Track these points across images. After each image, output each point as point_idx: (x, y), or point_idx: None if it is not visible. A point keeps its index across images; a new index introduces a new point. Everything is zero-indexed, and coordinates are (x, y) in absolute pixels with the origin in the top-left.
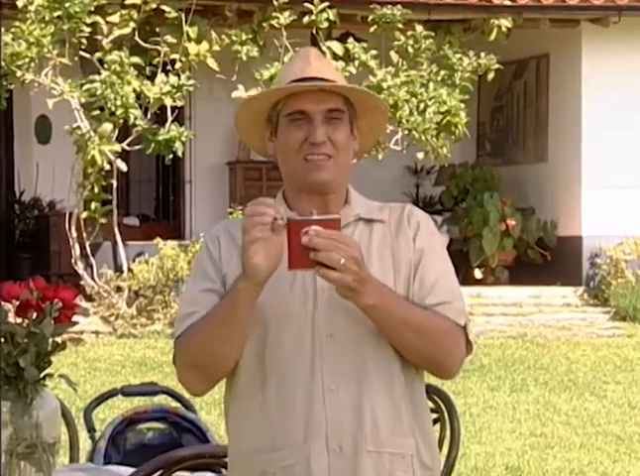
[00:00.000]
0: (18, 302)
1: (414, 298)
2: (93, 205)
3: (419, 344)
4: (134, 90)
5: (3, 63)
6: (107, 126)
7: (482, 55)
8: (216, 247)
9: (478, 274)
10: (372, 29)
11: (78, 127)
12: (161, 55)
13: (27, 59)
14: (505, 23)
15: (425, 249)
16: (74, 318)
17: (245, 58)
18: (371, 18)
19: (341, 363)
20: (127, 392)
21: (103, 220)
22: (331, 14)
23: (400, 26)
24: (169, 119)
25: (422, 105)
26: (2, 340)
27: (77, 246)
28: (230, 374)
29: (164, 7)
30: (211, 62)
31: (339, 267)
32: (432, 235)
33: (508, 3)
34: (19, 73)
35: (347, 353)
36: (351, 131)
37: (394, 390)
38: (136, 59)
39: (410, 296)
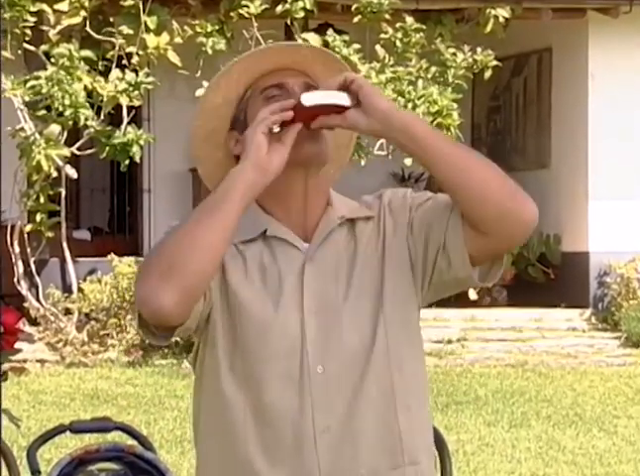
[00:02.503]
0: None
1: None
2: (39, 217)
3: (477, 170)
4: (85, 88)
5: None
6: (54, 128)
7: (479, 50)
8: None
9: (472, 294)
10: (355, 19)
11: (22, 129)
12: (116, 48)
13: None
14: (503, 13)
15: (415, 216)
16: (17, 345)
17: (210, 51)
18: (354, 7)
19: (333, 400)
20: (76, 428)
21: (50, 234)
22: (308, 2)
23: (387, 17)
24: (125, 120)
25: (410, 105)
26: None
27: (20, 263)
28: (200, 404)
29: None
30: (172, 57)
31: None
32: (406, 200)
33: None
34: None
35: (339, 388)
36: None
37: (393, 423)
38: (87, 53)
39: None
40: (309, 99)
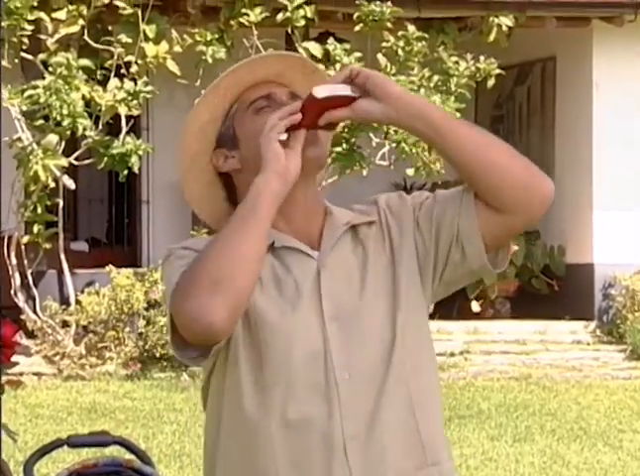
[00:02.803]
0: None
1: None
2: (36, 228)
3: (490, 150)
4: (83, 97)
5: None
6: (52, 138)
7: (482, 58)
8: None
9: (475, 306)
10: (356, 28)
11: (19, 139)
12: (115, 57)
13: None
14: (506, 21)
15: (420, 215)
16: (14, 358)
17: (210, 60)
18: (356, 15)
19: (359, 405)
20: (74, 442)
21: (47, 245)
22: (309, 11)
23: (389, 25)
24: (124, 130)
25: None
26: None
27: (17, 275)
28: (219, 423)
29: (118, 2)
30: (172, 66)
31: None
32: (405, 201)
33: None
34: None
35: (364, 393)
36: None
37: (413, 424)
38: (85, 62)
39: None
40: (321, 92)
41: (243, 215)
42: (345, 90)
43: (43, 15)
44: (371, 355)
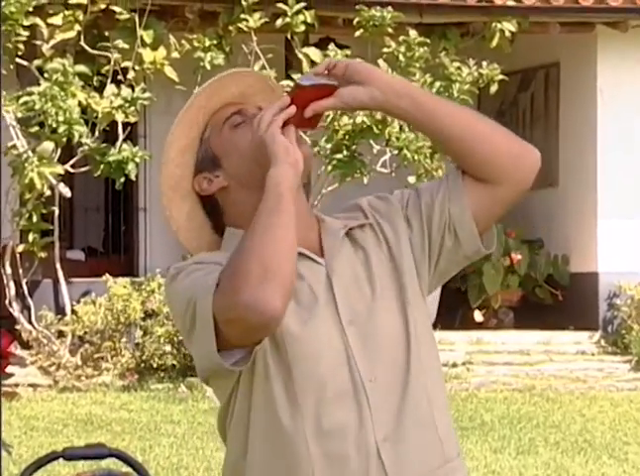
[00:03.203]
0: None
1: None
2: (31, 237)
3: (478, 127)
4: (79, 104)
5: None
6: (48, 145)
7: (484, 64)
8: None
9: (478, 316)
10: (357, 33)
11: (14, 146)
12: (111, 63)
13: None
14: (509, 27)
15: (409, 212)
16: (9, 369)
17: (209, 66)
18: (356, 21)
19: (386, 407)
20: (69, 455)
21: (43, 254)
22: (308, 16)
23: (390, 31)
24: (121, 137)
25: None
26: None
27: (12, 284)
28: (246, 440)
29: (115, 7)
30: (169, 72)
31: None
32: (390, 201)
33: (512, 4)
34: None
35: (389, 395)
36: None
37: (431, 422)
38: (81, 68)
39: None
40: (306, 80)
41: (270, 206)
42: (327, 80)
43: (38, 20)
44: (390, 356)
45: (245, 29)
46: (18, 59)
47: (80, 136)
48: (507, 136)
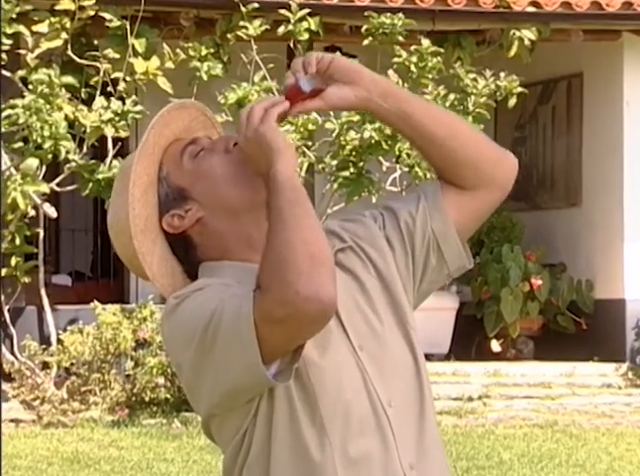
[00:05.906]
0: None
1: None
2: (14, 260)
3: (461, 130)
4: (66, 117)
5: None
6: (32, 162)
7: (502, 75)
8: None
9: (495, 346)
10: (365, 42)
11: None
12: (101, 73)
13: None
14: (529, 35)
15: (388, 232)
16: None
17: (205, 77)
18: (364, 28)
19: (407, 433)
20: None
21: (26, 279)
22: (313, 23)
23: (401, 39)
24: (111, 153)
25: None
26: None
27: None
28: (267, 473)
29: (104, 14)
30: (163, 83)
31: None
32: (366, 223)
33: (532, 10)
34: None
35: (409, 420)
36: None
37: (442, 445)
38: (68, 79)
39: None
40: (306, 84)
41: (290, 198)
42: (322, 84)
43: (22, 28)
44: (403, 379)
45: (244, 37)
46: (0, 70)
47: (67, 152)
48: (488, 141)
